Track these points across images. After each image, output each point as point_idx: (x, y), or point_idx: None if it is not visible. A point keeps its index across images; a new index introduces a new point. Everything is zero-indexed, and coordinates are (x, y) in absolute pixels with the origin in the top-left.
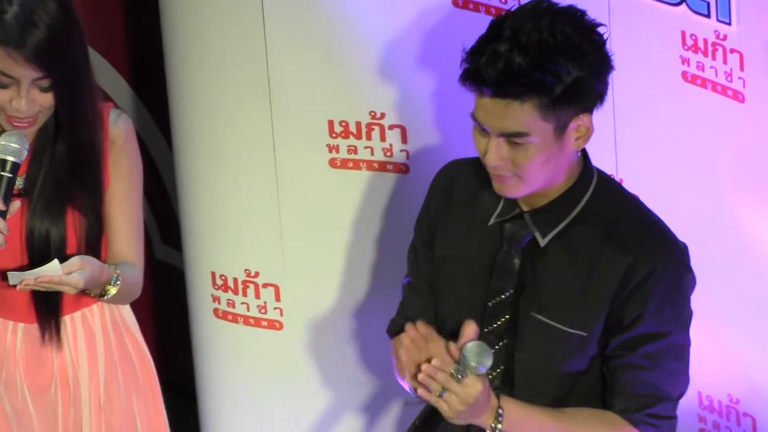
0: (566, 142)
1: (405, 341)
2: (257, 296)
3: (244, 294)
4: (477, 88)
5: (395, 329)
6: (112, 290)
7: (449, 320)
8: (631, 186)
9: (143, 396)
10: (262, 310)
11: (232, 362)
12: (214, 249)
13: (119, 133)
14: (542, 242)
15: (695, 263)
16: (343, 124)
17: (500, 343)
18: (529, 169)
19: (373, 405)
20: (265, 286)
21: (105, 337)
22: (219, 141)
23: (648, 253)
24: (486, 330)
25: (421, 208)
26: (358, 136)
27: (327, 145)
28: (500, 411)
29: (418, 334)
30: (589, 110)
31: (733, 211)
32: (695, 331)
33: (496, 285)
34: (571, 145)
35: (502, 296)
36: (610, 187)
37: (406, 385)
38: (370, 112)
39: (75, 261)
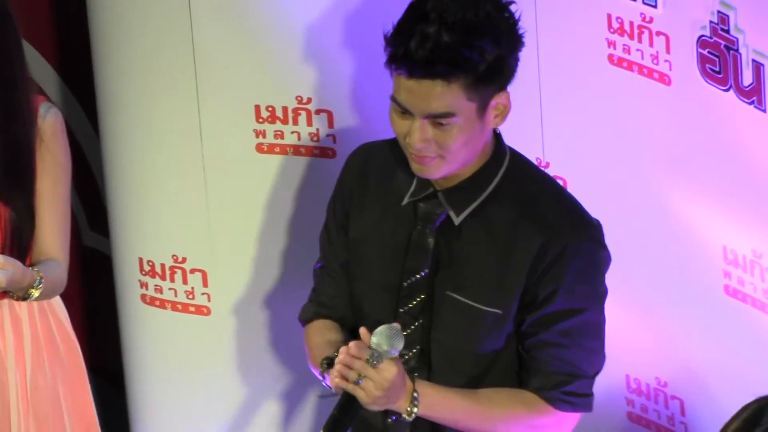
0: (486, 121)
1: (340, 355)
2: (185, 282)
3: (172, 280)
4: (406, 70)
5: (307, 316)
6: (35, 293)
7: (365, 302)
8: (558, 170)
9: (69, 383)
10: (190, 296)
11: (160, 348)
12: (142, 235)
13: (48, 127)
14: (456, 220)
15: (622, 247)
16: (270, 109)
17: (416, 323)
18: (453, 149)
19: (303, 390)
20: (192, 271)
21: (32, 324)
22: (146, 127)
23: (561, 230)
24: (402, 310)
25: (333, 191)
26: (285, 121)
27: (254, 130)
28: (415, 395)
29: (347, 355)
30: (505, 88)
31: (661, 194)
32: (623, 315)
33: (410, 265)
34: (490, 123)
35: (417, 276)
36: (522, 165)
37: (319, 377)
38: (296, 97)
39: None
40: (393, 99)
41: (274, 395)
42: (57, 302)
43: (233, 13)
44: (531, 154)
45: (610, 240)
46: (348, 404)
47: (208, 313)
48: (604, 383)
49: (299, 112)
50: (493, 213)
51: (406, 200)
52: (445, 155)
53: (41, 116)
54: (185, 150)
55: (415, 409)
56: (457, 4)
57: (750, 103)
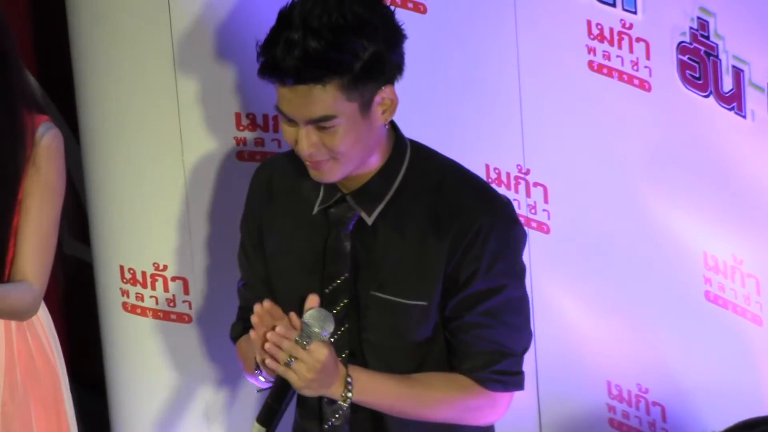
0: (374, 118)
1: (253, 319)
2: (166, 290)
3: (153, 287)
4: (277, 79)
5: (237, 332)
6: None
7: (292, 311)
8: (538, 176)
9: (42, 402)
10: (171, 304)
11: (141, 356)
12: (123, 243)
13: (43, 147)
14: (369, 220)
15: (603, 253)
16: (250, 116)
17: (342, 328)
18: (342, 150)
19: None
20: (173, 279)
21: (7, 341)
22: (126, 134)
23: (473, 212)
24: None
25: (244, 210)
26: (265, 129)
27: (234, 137)
28: (349, 380)
29: (263, 309)
30: (390, 82)
31: (641, 200)
32: (604, 321)
33: (330, 271)
34: (378, 119)
35: (338, 281)
36: (425, 154)
37: (255, 381)
38: (275, 105)
39: None
40: (277, 109)
41: (255, 403)
42: (39, 317)
43: (213, 21)
44: (511, 160)
45: (589, 245)
46: (282, 391)
47: (189, 320)
48: (585, 389)
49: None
50: (404, 207)
51: (316, 209)
52: (337, 157)
53: (39, 134)
54: (166, 158)
55: (350, 394)
56: (321, 8)
57: (730, 109)
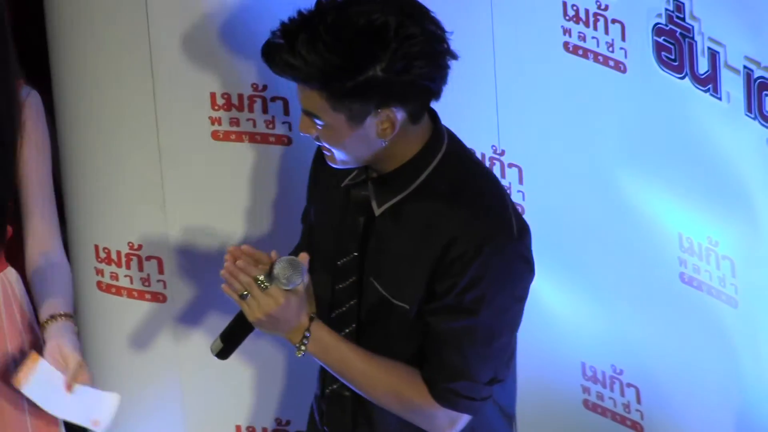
0: (368, 131)
1: (226, 257)
2: (140, 269)
3: (128, 267)
4: (263, 54)
5: None
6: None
7: (313, 274)
8: (513, 158)
9: None
10: (146, 283)
11: (116, 335)
12: (97, 222)
13: (30, 110)
14: (377, 212)
15: (578, 235)
16: (225, 96)
17: (350, 303)
18: (331, 146)
19: (261, 377)
20: (148, 258)
21: None
22: (101, 114)
23: (472, 230)
24: (338, 288)
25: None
26: (240, 108)
27: (209, 117)
28: (307, 333)
29: (240, 251)
30: (391, 104)
31: (617, 182)
32: (579, 302)
33: (343, 246)
34: (374, 134)
35: (348, 257)
36: (458, 158)
37: None
38: (252, 84)
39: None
40: None
41: (229, 382)
42: (20, 288)
43: (189, 0)
44: (486, 141)
45: (563, 227)
46: (242, 317)
47: (164, 300)
48: (560, 370)
49: (255, 99)
50: (412, 209)
51: (345, 183)
52: (336, 154)
53: (23, 98)
54: (141, 137)
55: (303, 347)
56: (336, 15)
57: (705, 91)
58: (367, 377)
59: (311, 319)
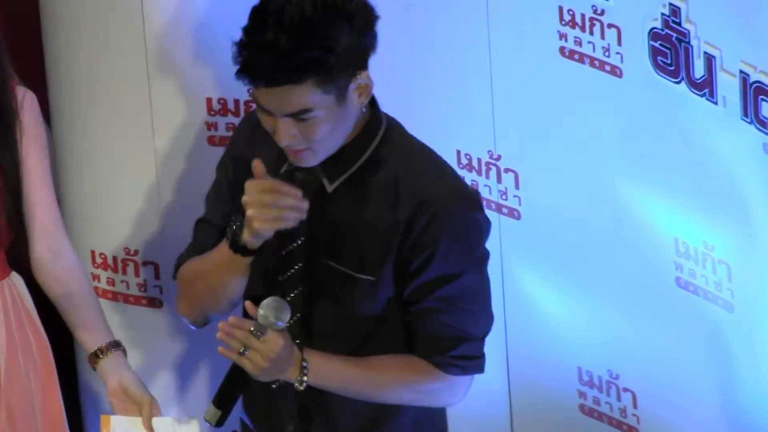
0: (350, 104)
1: (219, 335)
2: (137, 274)
3: (124, 272)
4: (251, 81)
5: (179, 262)
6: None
7: (252, 268)
8: (509, 162)
9: (40, 379)
10: (142, 288)
11: None
12: (94, 227)
13: (27, 109)
14: (329, 188)
15: (574, 239)
16: (221, 101)
17: (296, 291)
18: (319, 139)
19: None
20: (144, 264)
21: (6, 318)
22: (97, 119)
23: (434, 196)
24: (281, 278)
25: (226, 151)
26: (237, 114)
27: (205, 122)
28: (304, 364)
29: (229, 325)
30: (364, 67)
31: (613, 186)
32: (575, 307)
33: (287, 233)
34: (354, 104)
35: (295, 244)
36: (400, 135)
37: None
38: (248, 90)
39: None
40: (253, 98)
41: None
42: (27, 298)
43: (185, 5)
44: (482, 146)
45: (560, 231)
46: (236, 374)
47: (161, 305)
48: (556, 375)
49: (251, 104)
50: (368, 182)
51: (283, 169)
52: (315, 147)
53: (20, 98)
54: (137, 142)
55: (305, 378)
56: (291, 2)
57: (702, 96)
58: (371, 384)
59: (301, 349)
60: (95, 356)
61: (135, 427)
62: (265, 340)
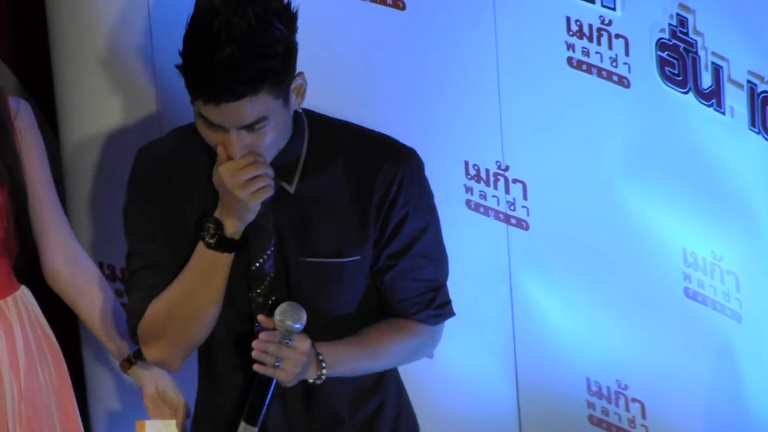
0: (291, 107)
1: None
2: None
3: None
4: (211, 98)
5: (142, 307)
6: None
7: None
8: (517, 173)
9: (56, 390)
10: None
11: None
12: (102, 240)
13: (24, 120)
14: (292, 189)
15: (583, 249)
16: None
17: (270, 301)
18: (267, 146)
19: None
20: None
21: (22, 330)
22: (105, 130)
23: (389, 162)
24: (253, 294)
25: (131, 200)
26: None
27: None
28: (321, 358)
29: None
30: (295, 65)
31: (621, 197)
32: (583, 317)
33: (254, 248)
34: (293, 106)
35: (265, 256)
36: (321, 119)
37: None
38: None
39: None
40: (198, 115)
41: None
42: (38, 310)
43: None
44: (490, 156)
45: (568, 242)
46: (265, 388)
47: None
48: (564, 386)
49: None
50: (320, 171)
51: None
52: (267, 152)
53: (14, 110)
54: None
55: (324, 371)
56: (238, 15)
57: (709, 106)
58: (374, 357)
59: (311, 344)
60: (128, 362)
61: (167, 430)
62: (295, 346)
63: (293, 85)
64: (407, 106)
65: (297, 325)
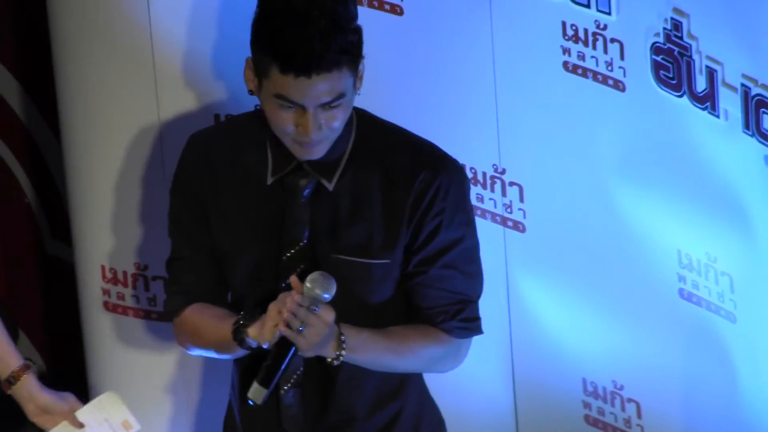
0: (357, 88)
1: (287, 304)
2: (147, 289)
3: (134, 287)
4: (304, 71)
5: (178, 305)
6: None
7: (244, 283)
8: (514, 176)
9: None
10: (152, 303)
11: (122, 354)
12: (104, 243)
13: None
14: (331, 186)
15: (578, 251)
16: (229, 118)
17: (299, 268)
18: (338, 127)
19: None
20: (154, 279)
21: None
22: (107, 135)
23: (429, 170)
24: (283, 285)
25: (176, 186)
26: None
27: None
28: (343, 338)
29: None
30: None
31: (616, 199)
32: (579, 318)
33: (287, 238)
34: (358, 89)
35: (297, 247)
36: (369, 119)
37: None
38: (255, 106)
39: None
40: (280, 97)
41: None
42: None
43: (194, 22)
44: (487, 160)
45: (564, 244)
46: (283, 354)
47: (171, 319)
48: (561, 386)
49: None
50: (360, 170)
51: (270, 178)
52: (331, 135)
53: None
54: (147, 159)
55: (343, 352)
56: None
57: (703, 109)
58: (396, 353)
59: (336, 323)
60: (8, 383)
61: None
62: (320, 315)
63: (361, 66)
64: (405, 110)
65: (326, 295)
